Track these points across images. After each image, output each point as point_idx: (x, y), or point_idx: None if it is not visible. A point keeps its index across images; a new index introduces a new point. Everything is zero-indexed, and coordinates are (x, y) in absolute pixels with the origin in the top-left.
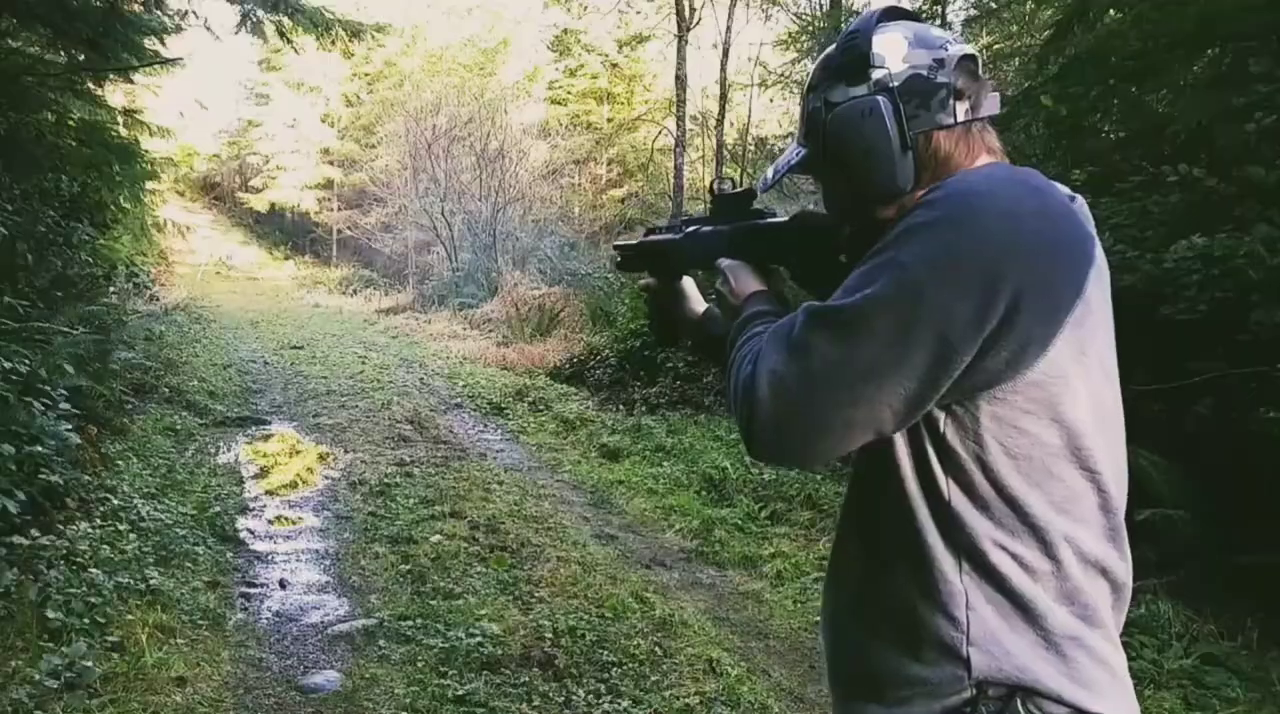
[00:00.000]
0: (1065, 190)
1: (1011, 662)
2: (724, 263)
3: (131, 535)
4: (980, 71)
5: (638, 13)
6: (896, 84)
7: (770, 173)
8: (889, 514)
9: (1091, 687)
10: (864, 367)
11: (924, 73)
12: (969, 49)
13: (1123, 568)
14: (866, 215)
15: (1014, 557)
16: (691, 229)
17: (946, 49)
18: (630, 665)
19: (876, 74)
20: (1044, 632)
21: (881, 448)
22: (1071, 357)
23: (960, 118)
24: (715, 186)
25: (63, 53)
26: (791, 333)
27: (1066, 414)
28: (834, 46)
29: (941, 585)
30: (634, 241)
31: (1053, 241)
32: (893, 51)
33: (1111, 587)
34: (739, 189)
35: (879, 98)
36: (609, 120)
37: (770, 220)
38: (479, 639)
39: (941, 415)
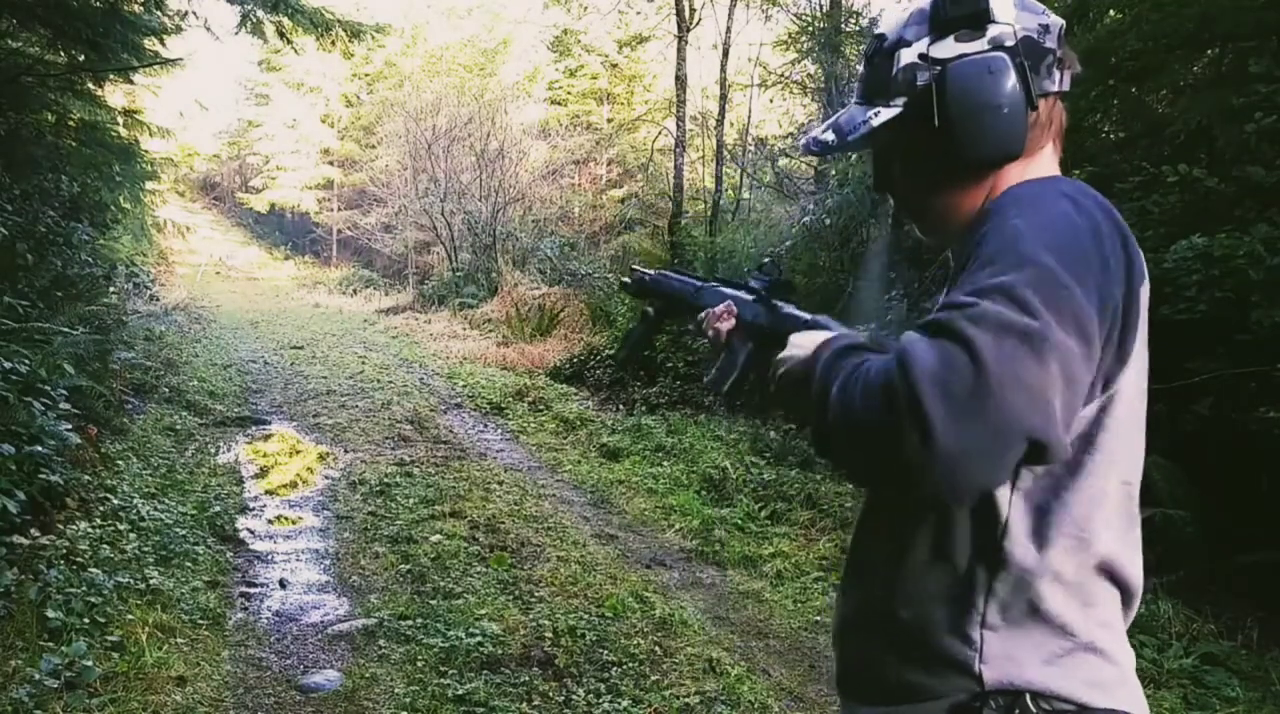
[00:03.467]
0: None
1: (1023, 675)
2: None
3: (131, 535)
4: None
5: (638, 13)
6: (1013, 43)
7: (831, 135)
8: (913, 525)
9: (1102, 686)
10: (1038, 370)
11: (1034, 35)
12: (1061, 20)
13: (1136, 573)
14: (942, 196)
15: (1038, 566)
16: (708, 282)
17: (1048, 15)
18: (630, 665)
19: (994, 30)
20: (1059, 640)
21: None
22: (1131, 372)
23: (1059, 85)
24: (764, 265)
25: (63, 53)
26: (945, 334)
27: (1114, 426)
28: None
29: (959, 601)
30: (651, 272)
31: (1124, 259)
32: (1004, 9)
33: (1123, 592)
34: (784, 276)
35: (1003, 55)
36: (609, 120)
37: (811, 320)
38: (479, 639)
39: None
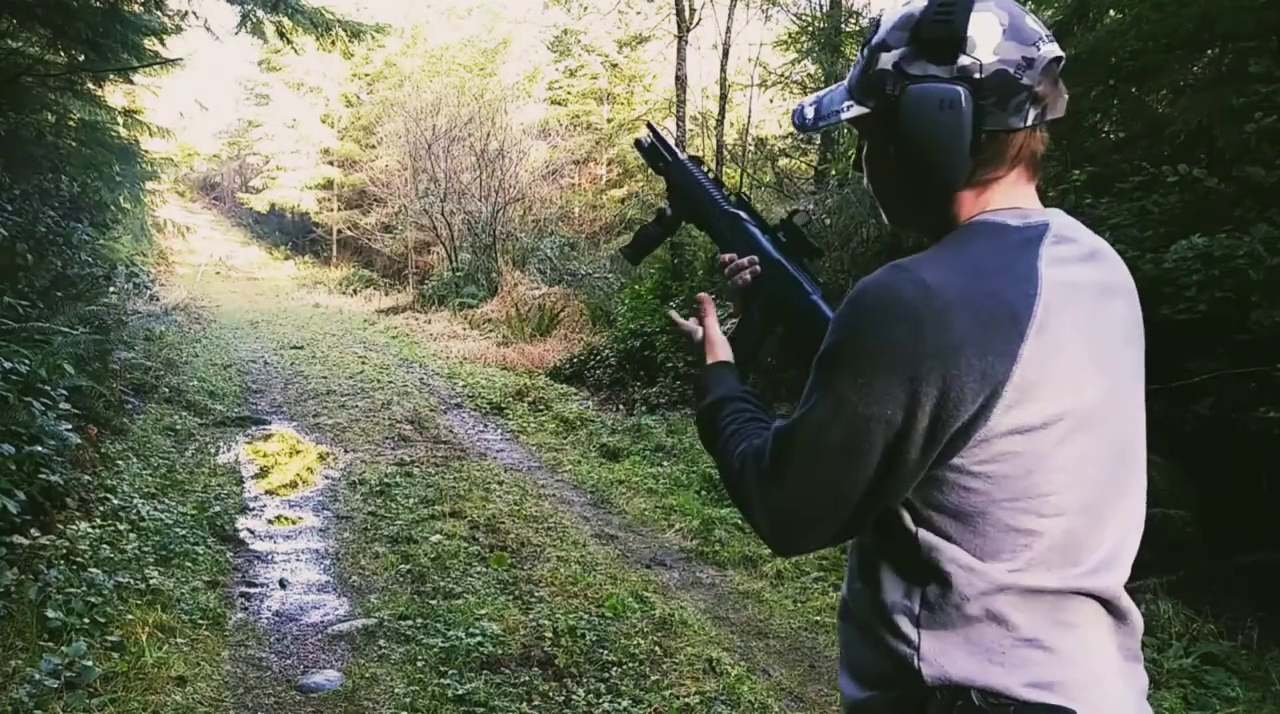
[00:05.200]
0: (1038, 220)
1: (960, 671)
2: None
3: (131, 535)
4: (1060, 74)
5: (638, 13)
6: (981, 76)
7: (811, 112)
8: (868, 530)
9: (1048, 687)
10: (823, 479)
11: (1011, 70)
12: (1057, 50)
13: (1092, 576)
14: (893, 197)
15: (969, 570)
16: (734, 211)
17: (1039, 48)
18: (630, 665)
19: (964, 60)
20: (998, 638)
21: None
22: (1017, 414)
23: (1029, 122)
24: (796, 218)
25: (63, 53)
26: (765, 452)
27: (1008, 469)
28: (923, 7)
29: (898, 602)
30: (678, 152)
31: (960, 337)
32: (985, 38)
33: (1101, 602)
34: (812, 238)
35: (960, 89)
36: (609, 120)
37: (818, 300)
38: (479, 639)
39: None
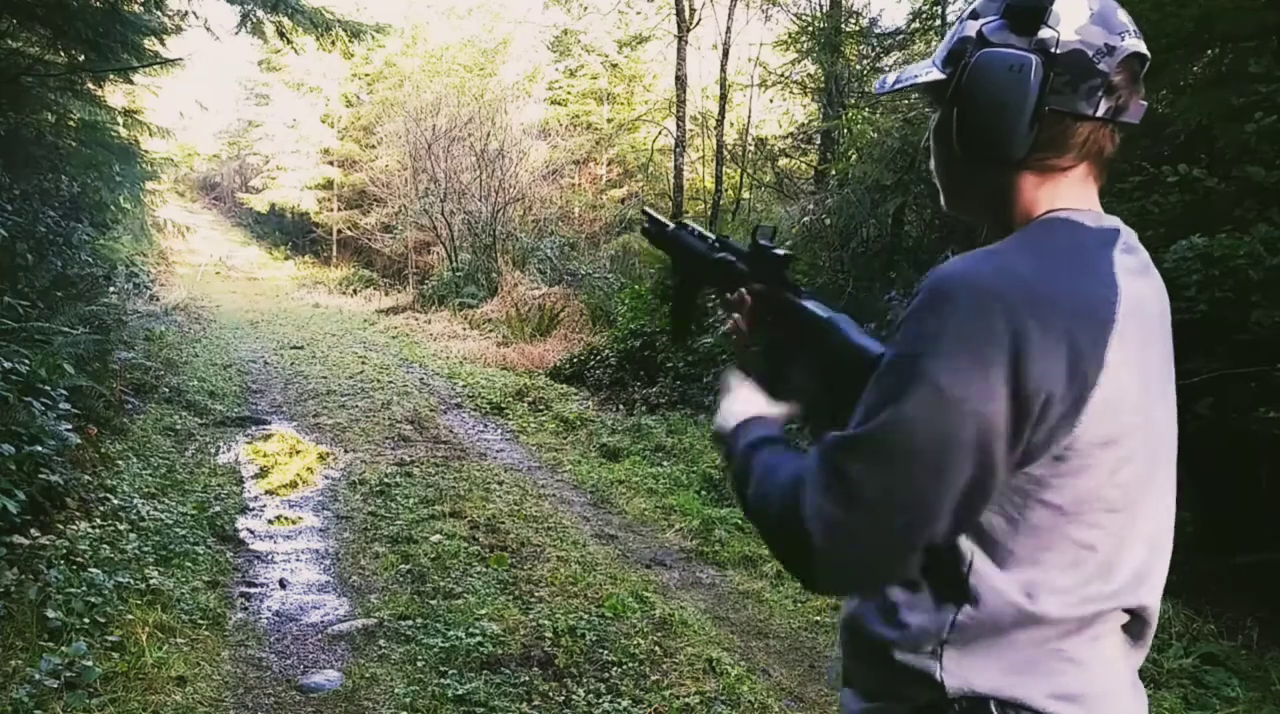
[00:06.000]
0: (1109, 224)
1: (985, 682)
2: (733, 379)
3: (131, 535)
4: (1141, 76)
5: (638, 13)
6: (1058, 51)
7: (892, 79)
8: None
9: (1071, 699)
10: (912, 491)
11: (1089, 53)
12: (1142, 48)
13: (1126, 592)
14: (951, 173)
15: (1008, 576)
16: (721, 256)
17: (1123, 39)
18: (630, 665)
19: (1045, 33)
20: (1022, 651)
21: None
22: (1100, 424)
23: (1099, 112)
24: (758, 235)
25: (63, 53)
26: (825, 468)
27: (1083, 483)
28: None
29: (922, 615)
30: (668, 224)
31: (1057, 332)
32: (1071, 16)
33: (1124, 611)
34: (780, 249)
35: (1033, 58)
36: (609, 120)
37: (810, 307)
38: (479, 639)
39: None
